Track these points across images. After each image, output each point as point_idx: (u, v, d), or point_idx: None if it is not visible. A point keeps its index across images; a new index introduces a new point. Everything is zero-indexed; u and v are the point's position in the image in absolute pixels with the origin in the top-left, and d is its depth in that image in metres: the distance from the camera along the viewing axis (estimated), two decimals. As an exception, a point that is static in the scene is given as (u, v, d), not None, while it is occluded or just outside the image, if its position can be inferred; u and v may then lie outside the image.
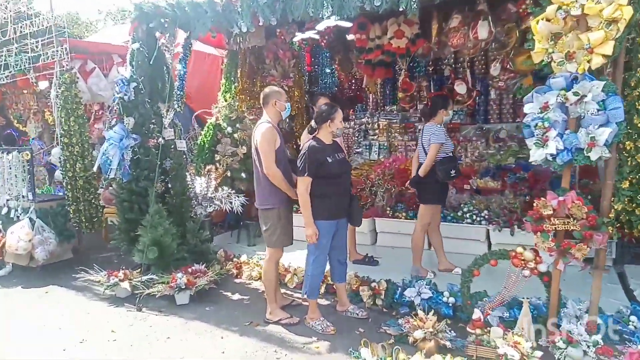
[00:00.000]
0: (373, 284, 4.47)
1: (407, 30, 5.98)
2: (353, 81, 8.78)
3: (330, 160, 3.82)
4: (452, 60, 7.78)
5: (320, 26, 6.41)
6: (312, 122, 4.04)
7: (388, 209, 6.31)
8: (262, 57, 6.96)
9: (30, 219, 5.89)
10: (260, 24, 4.76)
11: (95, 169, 5.60)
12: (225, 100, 6.85)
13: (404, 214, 6.18)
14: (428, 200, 4.93)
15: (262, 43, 6.33)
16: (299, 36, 6.49)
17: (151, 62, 5.39)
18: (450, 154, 4.90)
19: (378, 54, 6.31)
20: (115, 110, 5.19)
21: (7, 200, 6.20)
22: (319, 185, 3.79)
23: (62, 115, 5.93)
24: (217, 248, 5.99)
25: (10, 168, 6.11)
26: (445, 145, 4.82)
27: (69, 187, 6.02)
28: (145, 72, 5.39)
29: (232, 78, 6.89)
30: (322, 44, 7.14)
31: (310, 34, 6.49)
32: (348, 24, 6.20)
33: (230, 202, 6.13)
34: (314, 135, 3.97)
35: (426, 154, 4.80)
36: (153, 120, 5.56)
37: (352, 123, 8.43)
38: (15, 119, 10.21)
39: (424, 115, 5.47)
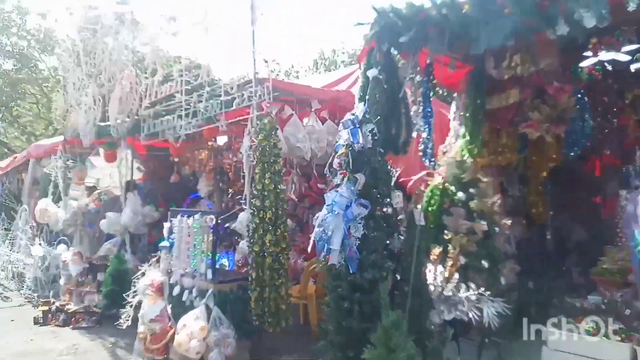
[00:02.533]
0: None
1: None
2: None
3: None
4: None
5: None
6: None
7: None
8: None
9: (207, 306, 4.43)
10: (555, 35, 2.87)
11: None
12: (465, 155, 4.88)
13: None
14: None
15: (554, 66, 4.32)
16: (590, 60, 4.34)
17: (392, 97, 3.73)
18: None
19: None
20: (339, 164, 3.58)
21: (182, 276, 4.88)
22: None
23: (257, 171, 4.55)
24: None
25: (189, 235, 4.82)
26: None
27: (254, 265, 4.49)
28: (382, 110, 3.73)
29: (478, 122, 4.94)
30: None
31: (612, 55, 4.32)
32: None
33: (478, 308, 3.99)
34: None
35: None
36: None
37: None
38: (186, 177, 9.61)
39: None
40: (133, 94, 6.74)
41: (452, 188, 4.93)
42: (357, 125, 3.55)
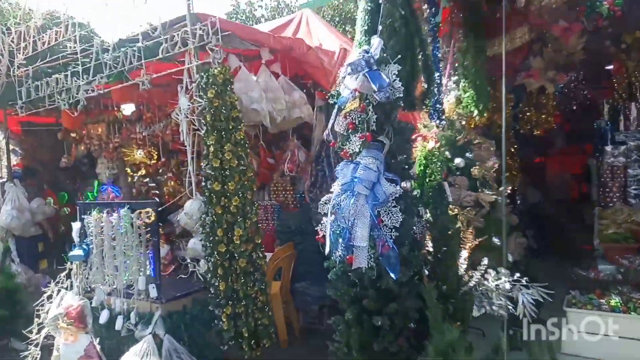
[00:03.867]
0: None
1: None
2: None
3: None
4: None
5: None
6: None
7: None
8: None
9: (154, 335, 3.15)
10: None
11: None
12: (461, 110, 4.04)
13: None
14: None
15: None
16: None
17: (408, 28, 2.69)
18: None
19: None
20: (351, 124, 2.48)
21: (108, 295, 3.49)
22: None
23: (209, 143, 3.26)
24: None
25: (115, 239, 3.41)
26: None
27: (217, 273, 3.27)
28: (401, 47, 2.68)
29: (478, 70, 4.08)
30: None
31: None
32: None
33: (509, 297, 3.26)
34: None
35: None
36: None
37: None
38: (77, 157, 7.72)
39: None
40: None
41: (447, 153, 4.12)
42: (375, 67, 2.48)
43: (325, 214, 2.50)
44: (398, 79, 2.39)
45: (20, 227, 5.35)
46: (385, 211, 2.36)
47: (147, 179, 7.44)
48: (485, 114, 3.78)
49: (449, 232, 2.82)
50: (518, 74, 4.00)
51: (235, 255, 3.25)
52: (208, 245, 3.31)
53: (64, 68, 4.51)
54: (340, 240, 2.44)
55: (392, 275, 2.31)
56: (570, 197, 6.35)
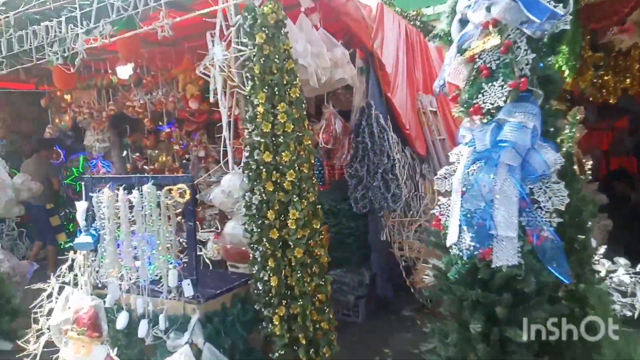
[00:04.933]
0: None
1: None
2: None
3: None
4: None
5: None
6: None
7: None
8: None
9: (191, 344, 2.48)
10: None
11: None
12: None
13: None
14: None
15: None
16: None
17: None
18: None
19: None
20: (484, 71, 1.81)
21: (127, 291, 2.78)
22: None
23: (258, 102, 2.55)
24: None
25: (133, 221, 2.69)
26: None
27: (266, 265, 2.60)
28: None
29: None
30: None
31: None
32: None
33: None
34: None
35: None
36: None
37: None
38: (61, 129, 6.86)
39: None
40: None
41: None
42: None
43: (445, 193, 1.86)
44: (561, 4, 1.72)
45: (1, 208, 4.54)
46: (540, 188, 1.73)
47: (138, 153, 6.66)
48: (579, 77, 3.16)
49: (582, 215, 2.21)
50: (610, 29, 3.38)
51: (290, 243, 2.59)
52: (255, 230, 2.64)
53: (56, 14, 3.68)
54: (467, 228, 1.80)
55: (562, 278, 1.68)
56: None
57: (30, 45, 3.82)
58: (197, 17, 3.36)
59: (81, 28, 3.45)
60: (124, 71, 5.42)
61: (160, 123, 5.96)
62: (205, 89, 5.30)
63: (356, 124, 4.22)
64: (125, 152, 6.94)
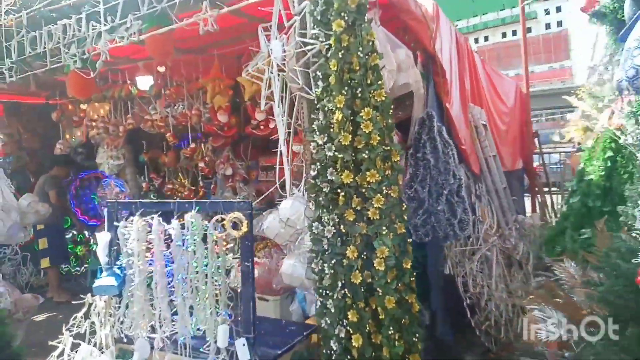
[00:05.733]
0: None
1: None
2: None
3: None
4: None
5: None
6: None
7: None
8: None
9: None
10: None
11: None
12: None
13: None
14: None
15: None
16: None
17: None
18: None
19: None
20: None
21: (160, 349, 2.16)
22: None
23: (335, 104, 1.98)
24: None
25: (173, 256, 2.10)
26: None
27: (345, 318, 1.99)
28: None
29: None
30: None
31: None
32: None
33: None
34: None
35: None
36: None
37: None
38: (72, 146, 6.32)
39: None
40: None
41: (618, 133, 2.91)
42: None
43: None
44: None
45: (4, 234, 3.95)
46: None
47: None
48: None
49: None
50: None
51: (378, 290, 1.98)
52: (327, 272, 2.03)
53: (76, 11, 3.17)
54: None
55: None
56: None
57: (45, 48, 3.30)
58: (235, 18, 2.86)
59: (105, 25, 2.93)
60: (145, 81, 4.91)
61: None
62: (235, 101, 4.81)
63: (416, 137, 3.63)
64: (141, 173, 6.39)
